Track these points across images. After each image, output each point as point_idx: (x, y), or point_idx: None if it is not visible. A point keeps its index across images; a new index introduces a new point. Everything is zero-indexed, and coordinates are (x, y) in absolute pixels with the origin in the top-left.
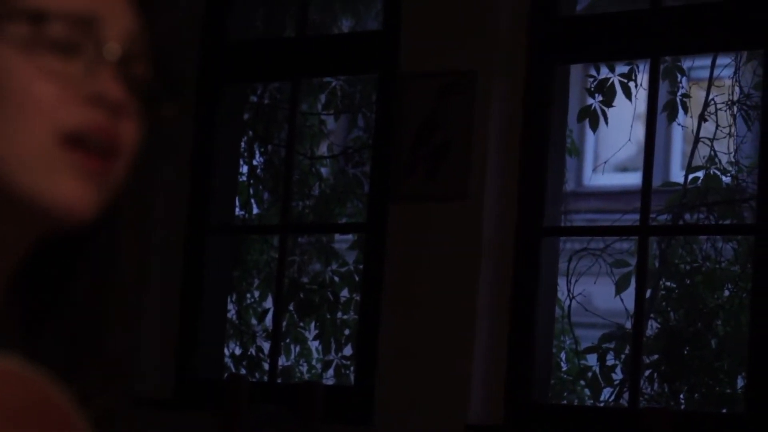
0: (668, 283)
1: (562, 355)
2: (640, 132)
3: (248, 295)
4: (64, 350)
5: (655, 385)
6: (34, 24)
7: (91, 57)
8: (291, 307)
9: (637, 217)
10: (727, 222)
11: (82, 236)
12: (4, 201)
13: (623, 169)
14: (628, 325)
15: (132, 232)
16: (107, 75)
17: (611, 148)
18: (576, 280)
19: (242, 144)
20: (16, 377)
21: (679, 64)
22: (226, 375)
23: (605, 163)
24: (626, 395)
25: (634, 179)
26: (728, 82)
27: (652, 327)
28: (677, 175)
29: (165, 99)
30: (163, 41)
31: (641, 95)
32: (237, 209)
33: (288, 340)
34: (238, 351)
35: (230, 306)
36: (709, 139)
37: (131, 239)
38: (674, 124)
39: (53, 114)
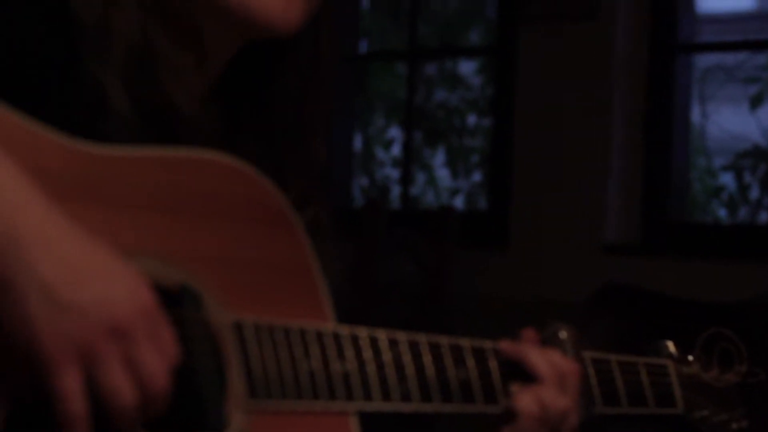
0: None
1: (694, 175)
2: None
3: (372, 125)
4: (268, 155)
5: None
6: None
7: None
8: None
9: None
10: None
11: (287, 45)
12: (216, 10)
13: None
14: (763, 143)
15: (331, 46)
16: None
17: None
18: (708, 102)
19: None
20: (235, 171)
21: None
22: (358, 203)
23: None
24: (763, 215)
25: (747, 3)
26: None
27: None
28: None
29: None
30: None
31: None
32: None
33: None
34: (364, 181)
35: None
36: None
37: (330, 53)
38: None
39: None
